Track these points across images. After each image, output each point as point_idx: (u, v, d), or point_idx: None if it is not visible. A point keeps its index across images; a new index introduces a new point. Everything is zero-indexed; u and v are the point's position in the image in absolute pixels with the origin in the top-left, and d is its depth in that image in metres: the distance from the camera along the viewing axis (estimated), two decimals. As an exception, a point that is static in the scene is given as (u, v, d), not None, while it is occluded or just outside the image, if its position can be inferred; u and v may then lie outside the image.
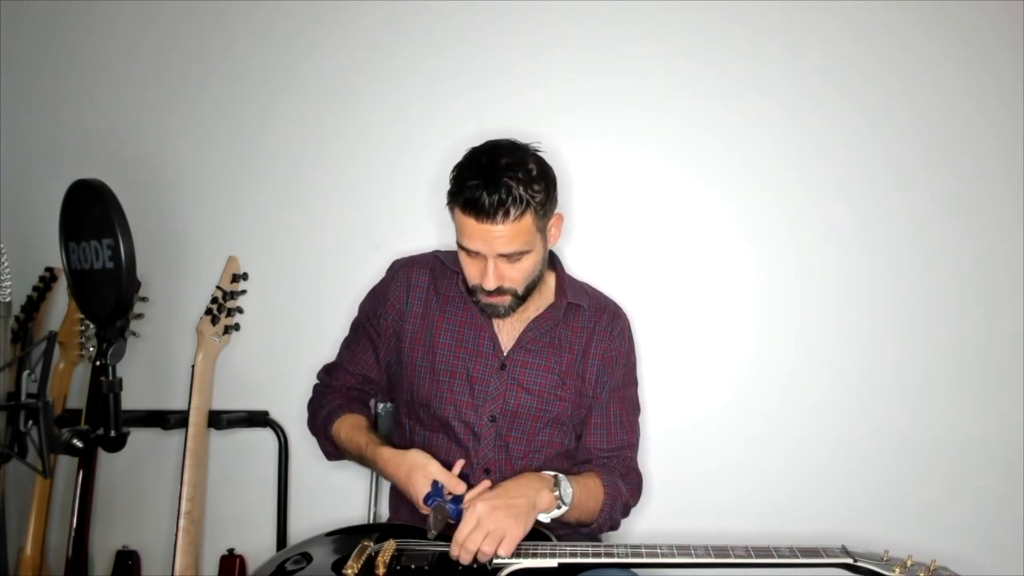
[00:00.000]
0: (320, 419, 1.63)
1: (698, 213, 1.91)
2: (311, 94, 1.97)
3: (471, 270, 1.48)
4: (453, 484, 1.41)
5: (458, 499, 1.40)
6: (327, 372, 1.70)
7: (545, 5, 1.91)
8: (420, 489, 1.40)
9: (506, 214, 1.38)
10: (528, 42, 1.92)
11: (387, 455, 1.49)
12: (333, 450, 1.63)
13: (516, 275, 1.46)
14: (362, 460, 1.55)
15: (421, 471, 1.42)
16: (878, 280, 1.87)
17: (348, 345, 1.69)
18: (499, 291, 1.46)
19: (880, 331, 1.87)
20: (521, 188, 1.39)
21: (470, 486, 1.43)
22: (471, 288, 1.51)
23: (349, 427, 1.58)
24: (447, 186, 1.46)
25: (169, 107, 2.01)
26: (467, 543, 1.32)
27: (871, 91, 1.86)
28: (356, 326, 1.69)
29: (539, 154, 1.48)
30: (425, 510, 1.39)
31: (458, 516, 1.37)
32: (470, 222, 1.40)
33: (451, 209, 1.45)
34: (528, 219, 1.41)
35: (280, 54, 1.98)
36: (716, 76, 1.89)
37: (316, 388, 1.71)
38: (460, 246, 1.47)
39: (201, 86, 2.00)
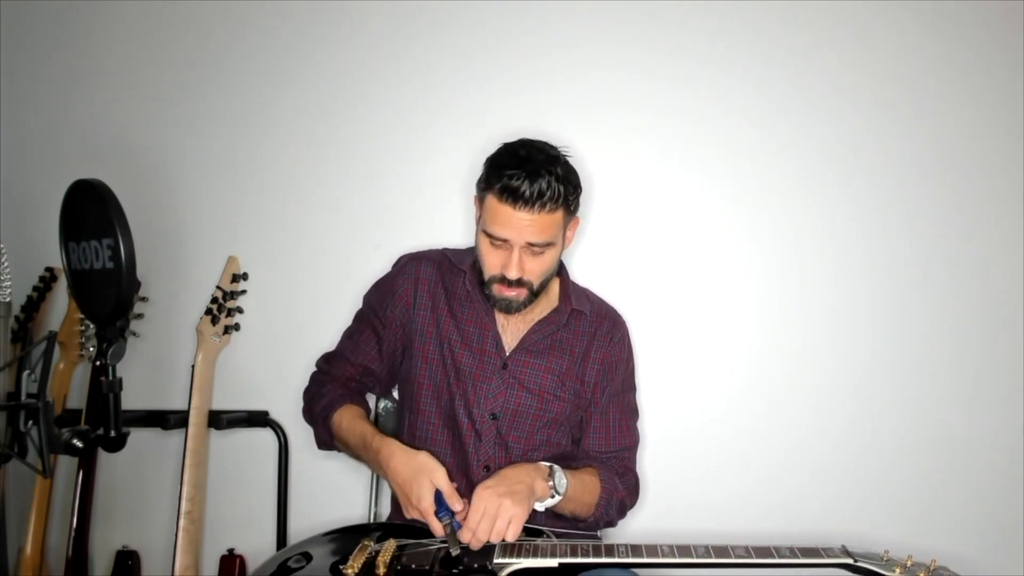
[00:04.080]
0: (319, 407, 1.61)
1: (696, 214, 1.91)
2: (312, 94, 1.97)
3: (493, 260, 1.50)
4: (453, 500, 1.40)
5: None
6: (326, 360, 1.70)
7: (547, 6, 1.91)
8: (423, 493, 1.39)
9: (543, 205, 1.43)
10: (529, 44, 1.92)
11: (397, 450, 1.46)
12: (328, 439, 1.62)
13: (536, 268, 1.49)
14: (363, 450, 1.52)
15: (428, 475, 1.41)
16: (878, 281, 1.87)
17: (350, 335, 1.68)
18: (518, 283, 1.49)
19: (879, 332, 1.87)
20: (559, 183, 1.43)
21: (472, 488, 1.43)
22: (487, 280, 1.52)
23: (352, 417, 1.56)
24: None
25: (170, 107, 2.01)
26: (478, 532, 1.34)
27: (873, 93, 1.86)
28: (360, 317, 1.69)
29: (568, 160, 1.52)
30: (413, 513, 1.41)
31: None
32: (505, 209, 1.43)
33: (482, 197, 1.48)
34: (559, 214, 1.46)
35: (281, 54, 1.98)
36: (714, 78, 1.89)
37: (314, 376, 1.70)
38: (487, 233, 1.48)
39: (202, 86, 2.00)
